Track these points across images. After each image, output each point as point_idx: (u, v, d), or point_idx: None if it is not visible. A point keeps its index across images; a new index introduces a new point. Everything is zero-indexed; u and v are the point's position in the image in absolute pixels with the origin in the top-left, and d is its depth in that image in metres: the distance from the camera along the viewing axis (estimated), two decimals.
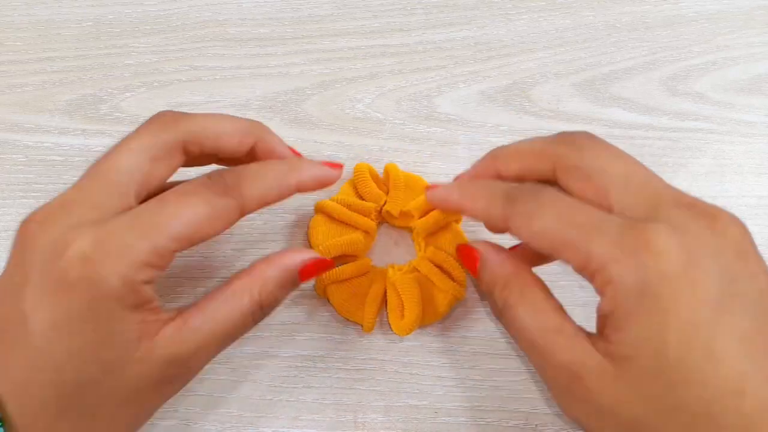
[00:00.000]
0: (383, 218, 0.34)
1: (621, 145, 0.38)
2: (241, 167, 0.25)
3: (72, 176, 0.35)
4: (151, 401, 0.24)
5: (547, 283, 0.31)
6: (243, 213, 0.24)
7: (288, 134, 0.37)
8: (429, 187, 0.27)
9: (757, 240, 0.35)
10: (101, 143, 0.36)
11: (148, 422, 0.25)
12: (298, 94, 0.38)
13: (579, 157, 0.24)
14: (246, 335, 0.32)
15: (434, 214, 0.32)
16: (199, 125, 0.25)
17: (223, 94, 0.38)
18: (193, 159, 0.26)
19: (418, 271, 0.31)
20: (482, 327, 0.32)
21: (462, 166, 0.36)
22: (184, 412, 0.30)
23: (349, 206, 0.32)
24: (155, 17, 0.40)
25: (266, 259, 0.26)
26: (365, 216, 0.32)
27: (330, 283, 0.31)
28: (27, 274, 0.22)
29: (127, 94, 0.37)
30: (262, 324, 0.30)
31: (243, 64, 0.39)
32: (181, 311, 0.24)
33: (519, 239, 0.24)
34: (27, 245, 0.23)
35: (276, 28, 0.40)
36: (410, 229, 0.33)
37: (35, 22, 0.40)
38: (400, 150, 0.36)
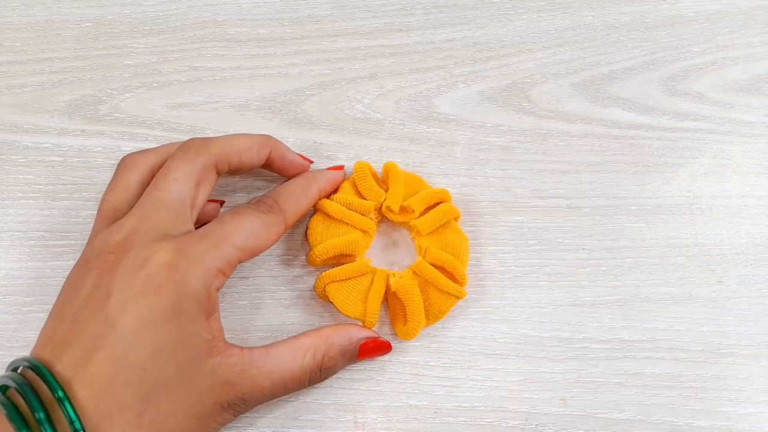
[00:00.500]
0: (383, 216, 0.34)
1: (621, 145, 0.38)
2: (272, 191, 0.31)
3: (71, 177, 0.35)
4: (209, 421, 0.25)
5: (546, 283, 0.31)
6: (287, 225, 0.29)
7: (288, 135, 0.37)
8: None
9: (757, 240, 0.35)
10: (101, 144, 0.36)
11: None
12: (297, 95, 0.38)
13: None
14: (246, 335, 0.32)
15: (434, 212, 0.32)
16: (224, 146, 0.29)
17: (222, 94, 0.38)
18: (221, 176, 0.30)
19: (418, 276, 0.31)
20: (482, 327, 0.32)
21: (461, 166, 0.36)
22: None
23: (348, 205, 0.32)
24: (154, 18, 0.40)
25: (334, 326, 0.30)
26: (364, 215, 0.32)
27: (330, 282, 0.31)
28: (110, 288, 0.24)
29: (126, 94, 0.37)
30: (262, 324, 0.30)
31: (242, 64, 0.39)
32: (248, 348, 0.26)
33: None
34: (106, 269, 0.25)
35: (275, 29, 0.40)
36: (410, 228, 0.33)
37: (34, 22, 0.40)
38: (400, 150, 0.36)
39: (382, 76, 0.39)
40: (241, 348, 0.26)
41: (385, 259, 0.33)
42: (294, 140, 0.37)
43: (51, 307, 0.31)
